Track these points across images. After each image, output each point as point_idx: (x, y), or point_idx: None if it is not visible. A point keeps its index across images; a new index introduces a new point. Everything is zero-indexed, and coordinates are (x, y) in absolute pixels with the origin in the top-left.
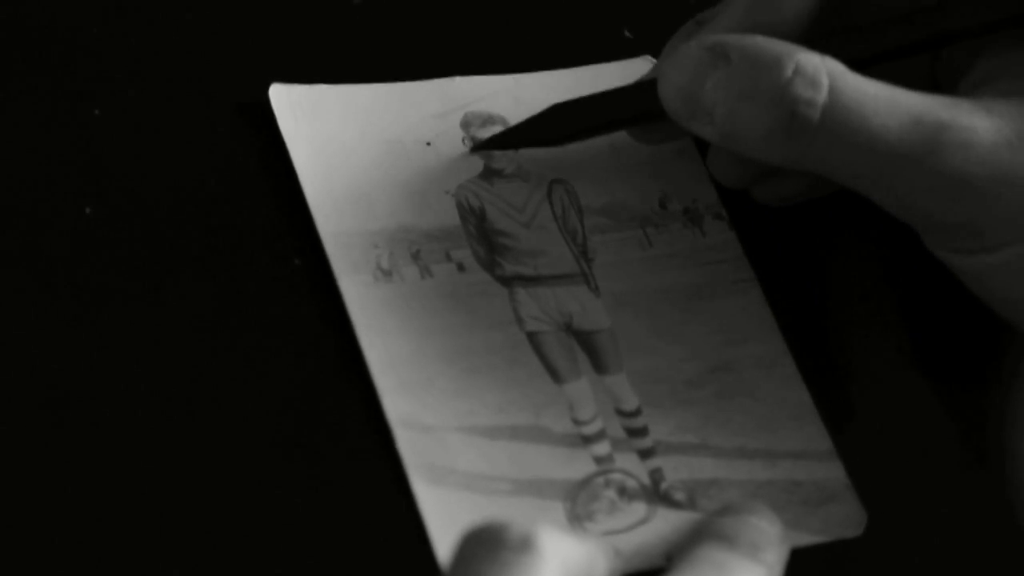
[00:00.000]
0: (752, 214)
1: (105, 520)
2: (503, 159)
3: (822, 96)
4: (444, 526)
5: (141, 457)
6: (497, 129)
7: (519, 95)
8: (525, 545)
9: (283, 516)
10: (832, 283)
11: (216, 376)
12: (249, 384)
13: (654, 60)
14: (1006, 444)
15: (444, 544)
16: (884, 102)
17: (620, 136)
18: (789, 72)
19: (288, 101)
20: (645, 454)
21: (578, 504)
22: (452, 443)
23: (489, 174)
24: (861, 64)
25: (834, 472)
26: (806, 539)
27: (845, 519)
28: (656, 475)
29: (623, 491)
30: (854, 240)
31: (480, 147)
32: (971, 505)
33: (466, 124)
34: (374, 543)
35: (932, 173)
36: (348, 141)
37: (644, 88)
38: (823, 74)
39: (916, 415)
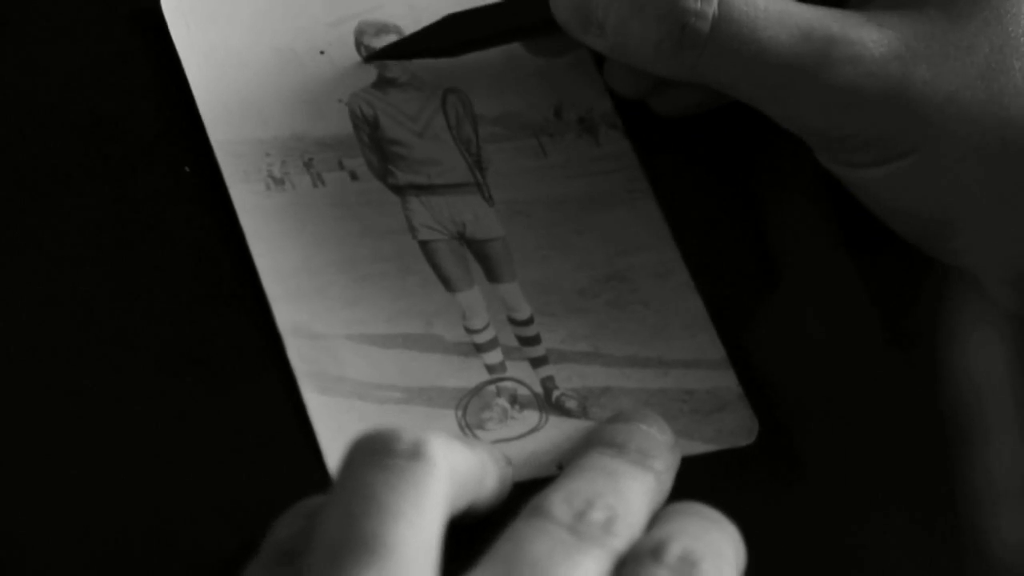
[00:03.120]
0: (647, 123)
1: None
2: (397, 68)
3: (712, 7)
4: (334, 435)
5: (30, 367)
6: (392, 38)
7: (414, 3)
8: (415, 452)
9: (175, 425)
10: (726, 192)
11: (106, 284)
12: (140, 292)
13: None
14: (947, 365)
15: (334, 452)
16: (774, 15)
17: (516, 45)
18: None
19: (180, 9)
20: (537, 362)
21: (469, 412)
22: (343, 352)
23: (383, 83)
24: None
25: (726, 381)
26: (698, 447)
27: (737, 428)
28: (548, 383)
29: (515, 399)
30: (748, 149)
31: (374, 56)
32: (860, 414)
33: (360, 33)
34: (264, 451)
35: (822, 87)
36: (241, 49)
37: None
38: None
39: (807, 324)
